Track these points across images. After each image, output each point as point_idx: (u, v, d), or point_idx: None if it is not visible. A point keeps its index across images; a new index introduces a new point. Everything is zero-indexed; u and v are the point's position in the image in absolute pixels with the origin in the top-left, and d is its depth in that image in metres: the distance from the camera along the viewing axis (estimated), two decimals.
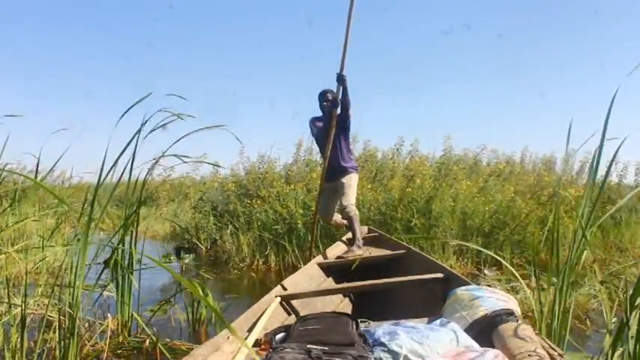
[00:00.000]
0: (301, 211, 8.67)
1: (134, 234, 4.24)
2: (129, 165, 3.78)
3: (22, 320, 3.06)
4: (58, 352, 3.19)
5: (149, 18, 48.88)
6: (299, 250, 8.26)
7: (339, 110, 5.26)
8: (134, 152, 3.72)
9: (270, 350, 2.02)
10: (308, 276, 4.00)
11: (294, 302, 3.21)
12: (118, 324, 3.90)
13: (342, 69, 5.08)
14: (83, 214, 3.82)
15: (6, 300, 3.33)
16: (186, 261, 8.48)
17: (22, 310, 3.07)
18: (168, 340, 3.89)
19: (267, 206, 9.00)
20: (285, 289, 3.33)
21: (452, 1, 42.12)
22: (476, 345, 2.04)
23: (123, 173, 3.77)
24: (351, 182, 5.44)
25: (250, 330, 2.45)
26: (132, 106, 3.42)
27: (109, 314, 3.98)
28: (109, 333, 3.53)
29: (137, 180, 4.23)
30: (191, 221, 10.13)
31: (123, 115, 3.45)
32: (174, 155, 3.88)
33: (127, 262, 4.19)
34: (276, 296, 3.08)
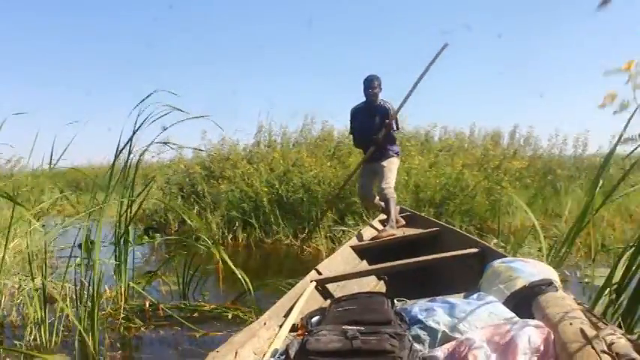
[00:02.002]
0: (265, 189, 9.22)
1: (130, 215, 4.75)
2: (125, 151, 4.31)
3: (43, 291, 3.58)
4: (77, 318, 3.69)
5: (149, 17, 49.01)
6: (266, 226, 8.84)
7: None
8: (130, 140, 4.28)
9: (306, 334, 2.00)
10: (342, 259, 3.99)
11: (329, 286, 3.22)
12: (117, 292, 4.41)
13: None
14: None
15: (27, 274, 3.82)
16: (157, 240, 8.89)
17: (42, 282, 3.58)
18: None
19: (234, 186, 9.51)
20: (319, 273, 3.32)
21: None
22: (515, 317, 2.01)
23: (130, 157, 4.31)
24: (392, 166, 5.27)
25: (287, 315, 2.47)
26: (141, 101, 4.02)
27: (105, 285, 4.50)
28: (122, 299, 4.09)
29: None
30: (159, 202, 10.53)
31: (134, 108, 4.03)
32: (164, 143, 4.43)
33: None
34: (311, 281, 3.09)
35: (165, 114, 4.28)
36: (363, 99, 5.21)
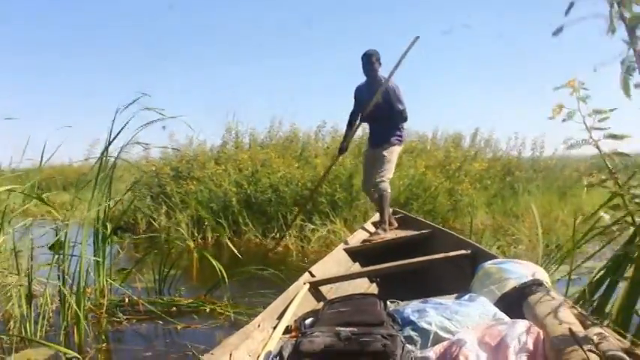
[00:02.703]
0: (234, 190, 9.42)
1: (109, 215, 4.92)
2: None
3: (29, 287, 3.74)
4: (62, 314, 3.88)
5: (149, 17, 49.18)
6: (235, 226, 9.02)
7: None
8: (109, 144, 4.49)
9: (300, 335, 2.03)
10: (335, 261, 4.00)
11: (322, 288, 3.23)
12: (97, 289, 4.57)
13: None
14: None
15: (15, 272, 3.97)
16: (127, 241, 8.96)
17: (28, 278, 3.75)
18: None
19: (203, 186, 9.68)
20: (313, 275, 3.34)
21: None
22: (506, 317, 2.05)
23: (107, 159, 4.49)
24: (392, 156, 5.06)
25: (280, 317, 2.48)
26: (127, 106, 4.21)
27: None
28: (105, 295, 4.27)
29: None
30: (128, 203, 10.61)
31: (117, 112, 4.25)
32: (138, 143, 4.64)
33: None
34: (304, 283, 3.10)
35: (150, 122, 4.51)
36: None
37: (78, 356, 3.10)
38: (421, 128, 13.19)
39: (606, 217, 2.86)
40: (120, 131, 4.54)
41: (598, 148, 1.87)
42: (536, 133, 12.60)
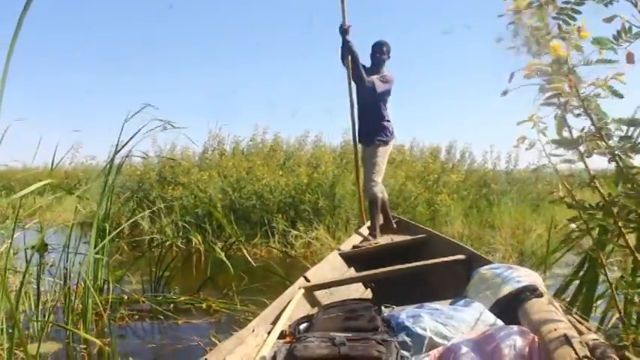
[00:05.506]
0: (220, 196, 9.61)
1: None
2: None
3: (37, 286, 3.92)
4: (66, 311, 4.04)
5: (149, 17, 48.92)
6: (219, 231, 9.19)
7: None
8: (115, 155, 4.86)
9: (294, 340, 2.03)
10: (330, 266, 3.99)
11: (317, 293, 3.22)
12: (96, 287, 4.74)
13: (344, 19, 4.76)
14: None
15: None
16: (117, 243, 9.06)
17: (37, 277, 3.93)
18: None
19: (188, 192, 9.85)
20: (308, 280, 3.32)
21: None
22: (501, 323, 2.05)
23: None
24: (378, 157, 4.90)
25: (275, 322, 2.47)
26: (133, 114, 4.36)
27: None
28: (110, 292, 4.56)
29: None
30: (112, 207, 10.70)
31: (124, 124, 4.46)
32: (137, 154, 4.83)
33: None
34: (299, 288, 3.08)
35: (153, 129, 4.74)
36: None
37: (100, 342, 3.26)
38: (399, 139, 13.44)
39: (573, 226, 3.16)
40: (128, 140, 4.80)
41: (556, 170, 2.12)
42: (510, 147, 12.93)
